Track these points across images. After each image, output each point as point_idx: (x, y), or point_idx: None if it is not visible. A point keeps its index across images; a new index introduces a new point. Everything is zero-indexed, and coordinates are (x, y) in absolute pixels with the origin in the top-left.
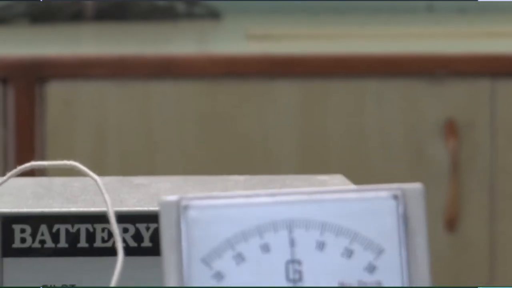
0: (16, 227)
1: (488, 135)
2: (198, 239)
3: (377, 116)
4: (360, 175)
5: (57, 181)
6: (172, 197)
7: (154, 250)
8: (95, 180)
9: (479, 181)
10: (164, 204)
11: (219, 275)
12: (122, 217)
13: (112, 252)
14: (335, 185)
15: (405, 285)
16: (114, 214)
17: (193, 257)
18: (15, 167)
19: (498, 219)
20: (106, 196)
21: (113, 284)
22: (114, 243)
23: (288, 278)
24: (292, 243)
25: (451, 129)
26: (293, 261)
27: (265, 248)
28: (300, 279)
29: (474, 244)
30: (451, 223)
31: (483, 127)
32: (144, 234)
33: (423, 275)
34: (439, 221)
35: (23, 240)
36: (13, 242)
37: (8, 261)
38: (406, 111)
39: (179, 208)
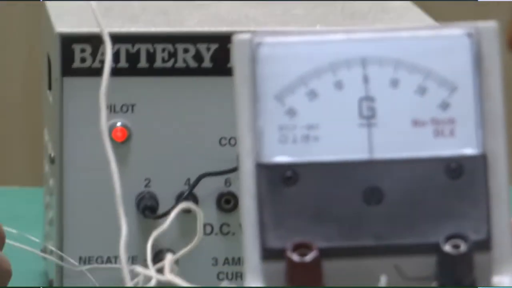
0: (76, 47)
1: None
2: (270, 76)
3: None
4: None
5: (118, 1)
6: (245, 35)
7: (215, 70)
8: None
9: None
10: (237, 42)
11: (291, 111)
12: (183, 38)
13: (171, 72)
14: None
15: (478, 122)
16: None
17: (266, 94)
18: None
19: None
20: None
21: None
22: (174, 63)
23: (361, 115)
24: (365, 80)
25: None
26: (367, 98)
27: (338, 85)
28: (373, 116)
29: None
30: None
31: None
32: (205, 55)
33: (496, 114)
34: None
35: (83, 60)
36: (73, 62)
37: (68, 81)
38: None
39: (252, 46)
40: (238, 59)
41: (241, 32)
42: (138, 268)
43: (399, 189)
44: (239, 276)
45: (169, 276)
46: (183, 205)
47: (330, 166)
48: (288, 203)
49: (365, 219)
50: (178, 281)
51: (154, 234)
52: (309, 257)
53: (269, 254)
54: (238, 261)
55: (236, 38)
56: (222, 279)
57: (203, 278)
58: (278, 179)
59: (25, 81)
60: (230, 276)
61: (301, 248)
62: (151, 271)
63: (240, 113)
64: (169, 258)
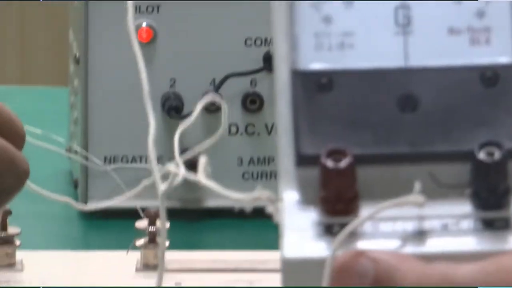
0: None
1: None
2: None
3: None
4: None
5: None
6: None
7: None
8: None
9: None
10: None
11: (327, 19)
12: None
13: None
14: None
15: None
16: None
17: (302, 1)
18: None
19: None
20: None
21: None
22: None
23: (396, 23)
24: None
25: None
26: (403, 6)
27: None
28: (409, 24)
29: None
30: None
31: None
32: None
33: None
34: None
35: None
36: None
37: None
38: None
39: None
40: None
41: None
42: (170, 167)
43: (434, 97)
44: (264, 176)
45: (202, 179)
46: (208, 97)
47: (365, 73)
48: (323, 110)
49: (399, 127)
50: (213, 185)
51: (181, 128)
52: (343, 163)
53: (303, 160)
54: (263, 161)
55: None
56: (247, 179)
57: (228, 178)
58: (313, 86)
59: None
60: (255, 176)
61: (336, 154)
62: (181, 168)
63: (275, 20)
64: (202, 160)
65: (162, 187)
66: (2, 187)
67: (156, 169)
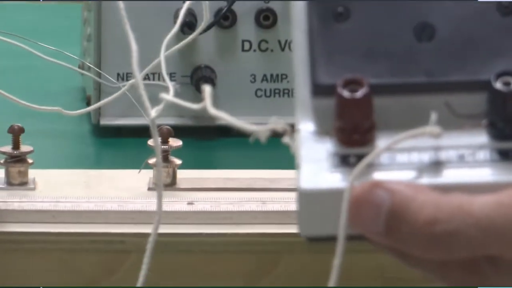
0: None
1: None
2: None
3: None
4: None
5: None
6: None
7: None
8: None
9: None
10: None
11: None
12: None
13: None
14: None
15: None
16: None
17: None
18: None
19: None
20: None
21: None
22: None
23: None
24: None
25: None
26: None
27: None
28: None
29: None
30: None
31: None
32: None
33: None
34: None
35: None
36: None
37: None
38: None
39: None
40: None
41: None
42: (163, 94)
43: (451, 26)
44: (276, 93)
45: (212, 110)
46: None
47: (381, 1)
48: (339, 39)
49: (416, 56)
50: (222, 114)
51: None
52: (360, 93)
53: (319, 90)
54: (276, 78)
55: None
56: (260, 96)
57: (241, 95)
58: (329, 14)
59: None
60: (268, 93)
61: (352, 84)
62: (171, 93)
63: None
64: (207, 89)
65: (153, 113)
66: None
67: (169, 83)
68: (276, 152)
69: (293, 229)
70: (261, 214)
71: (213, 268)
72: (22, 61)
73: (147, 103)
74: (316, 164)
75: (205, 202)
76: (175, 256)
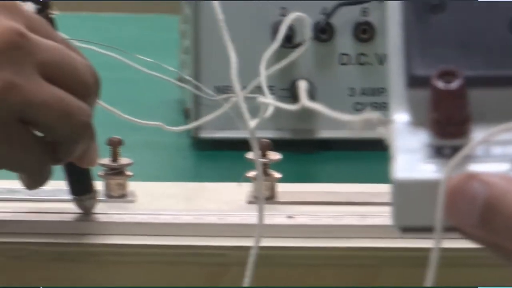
0: None
1: None
2: None
3: None
4: None
5: None
6: None
7: None
8: None
9: None
10: None
11: None
12: None
13: None
14: None
15: None
16: None
17: None
18: None
19: None
20: None
21: None
22: None
23: None
24: None
25: None
26: None
27: None
28: None
29: None
30: None
31: None
32: None
33: None
34: None
35: None
36: None
37: None
38: None
39: None
40: None
41: None
42: (261, 98)
43: None
44: (375, 106)
45: (306, 103)
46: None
47: None
48: (435, 31)
49: (511, 49)
50: (317, 106)
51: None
52: (455, 84)
53: (414, 81)
54: (375, 91)
55: None
56: (359, 110)
57: (339, 108)
58: (425, 6)
59: None
60: (366, 107)
61: (447, 75)
62: (268, 98)
63: None
64: (302, 84)
65: (252, 123)
66: (57, 139)
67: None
68: (376, 166)
69: (392, 243)
70: (361, 228)
71: (313, 282)
72: (120, 73)
73: (246, 115)
74: (411, 155)
75: (305, 216)
76: (275, 270)
